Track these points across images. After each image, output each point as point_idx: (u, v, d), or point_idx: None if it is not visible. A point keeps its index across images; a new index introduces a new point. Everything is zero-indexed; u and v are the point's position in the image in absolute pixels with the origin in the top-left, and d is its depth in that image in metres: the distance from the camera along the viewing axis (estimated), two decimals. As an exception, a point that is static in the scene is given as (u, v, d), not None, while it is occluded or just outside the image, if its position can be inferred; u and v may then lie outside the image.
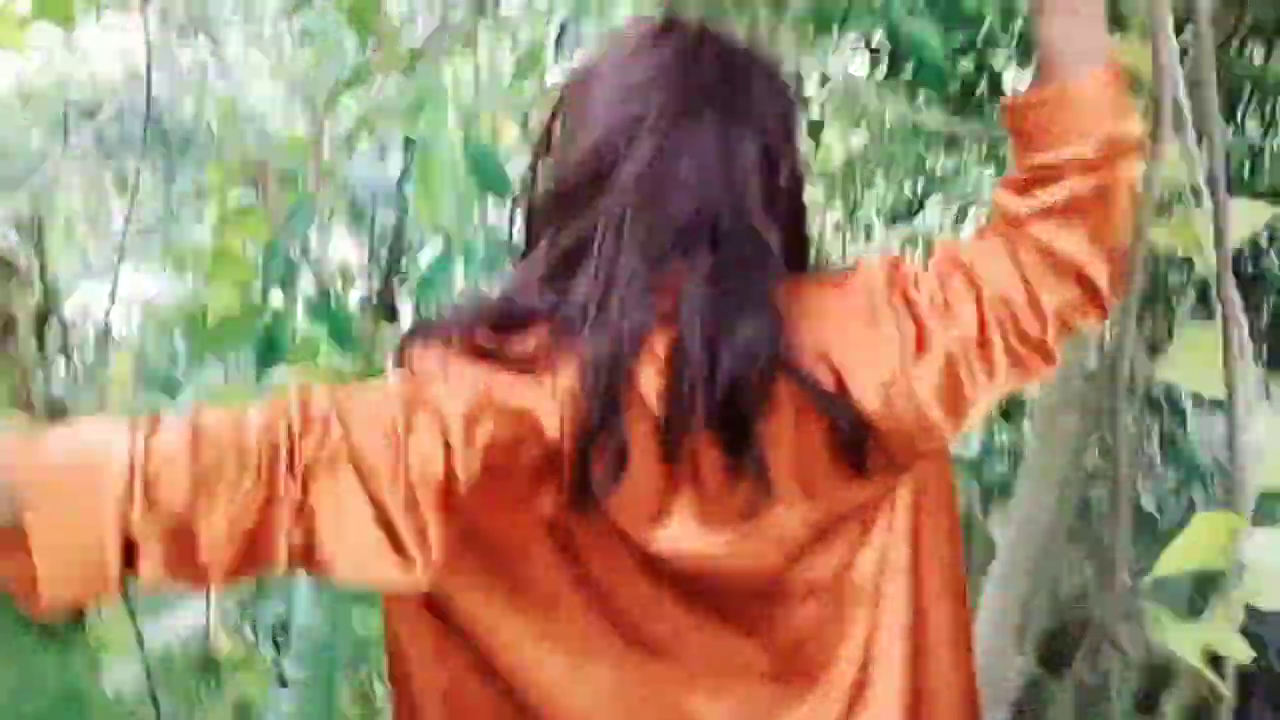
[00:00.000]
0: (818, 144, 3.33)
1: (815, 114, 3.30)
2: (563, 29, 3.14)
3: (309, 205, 1.54)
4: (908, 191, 3.70)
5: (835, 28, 3.01)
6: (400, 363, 1.03)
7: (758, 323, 0.99)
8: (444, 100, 1.61)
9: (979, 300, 1.05)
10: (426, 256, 2.12)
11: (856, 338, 1.02)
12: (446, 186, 1.69)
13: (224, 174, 1.70)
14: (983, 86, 3.43)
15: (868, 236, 3.86)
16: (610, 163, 1.03)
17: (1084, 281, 1.07)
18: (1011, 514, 3.17)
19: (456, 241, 1.72)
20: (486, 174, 1.80)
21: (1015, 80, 3.47)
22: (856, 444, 1.00)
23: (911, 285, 1.05)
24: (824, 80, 3.27)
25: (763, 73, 1.11)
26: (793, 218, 1.11)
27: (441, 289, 1.81)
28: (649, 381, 0.99)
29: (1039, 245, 1.06)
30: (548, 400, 0.97)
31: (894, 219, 3.78)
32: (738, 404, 0.98)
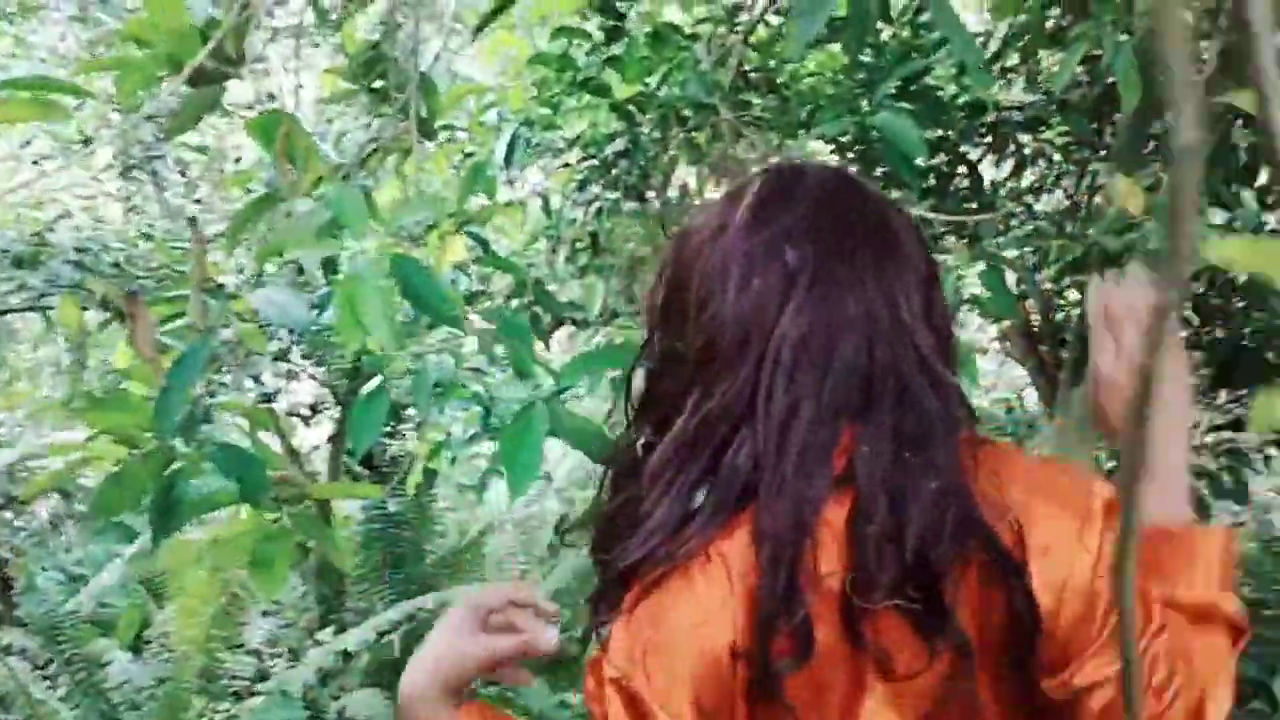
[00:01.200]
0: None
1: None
2: (513, 141, 2.98)
3: (198, 351, 1.31)
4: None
5: (801, 131, 2.91)
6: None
7: (945, 477, 0.92)
8: (364, 216, 1.40)
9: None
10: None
11: (1043, 511, 0.93)
12: (374, 313, 1.46)
13: (78, 309, 1.48)
14: (959, 180, 3.30)
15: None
16: (770, 315, 0.96)
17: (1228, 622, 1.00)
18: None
19: (390, 373, 1.50)
20: (424, 296, 1.58)
21: (993, 172, 3.34)
22: (1030, 628, 0.91)
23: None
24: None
25: (899, 211, 1.05)
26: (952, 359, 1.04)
27: (374, 428, 1.58)
28: (825, 552, 0.91)
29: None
30: (726, 606, 0.91)
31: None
32: (928, 568, 0.90)
